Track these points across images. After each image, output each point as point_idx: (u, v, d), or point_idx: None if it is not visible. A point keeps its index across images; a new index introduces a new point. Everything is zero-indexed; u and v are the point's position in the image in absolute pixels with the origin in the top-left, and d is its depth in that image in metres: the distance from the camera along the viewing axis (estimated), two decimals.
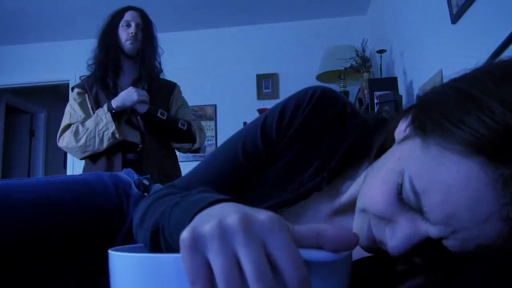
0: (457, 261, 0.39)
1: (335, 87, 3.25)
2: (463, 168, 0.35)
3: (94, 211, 0.72)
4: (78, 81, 3.98)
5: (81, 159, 1.86)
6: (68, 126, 1.82)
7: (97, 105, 1.82)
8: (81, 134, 1.76)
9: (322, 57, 3.26)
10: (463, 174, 0.35)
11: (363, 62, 2.96)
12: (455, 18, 1.78)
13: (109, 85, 1.83)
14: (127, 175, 0.84)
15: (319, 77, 3.28)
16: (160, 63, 1.97)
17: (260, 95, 3.79)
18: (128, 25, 1.87)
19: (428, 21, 2.18)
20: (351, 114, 0.59)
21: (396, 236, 0.41)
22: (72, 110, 1.86)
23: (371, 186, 0.45)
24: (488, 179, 0.34)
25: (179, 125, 1.80)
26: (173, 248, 0.40)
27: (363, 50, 3.01)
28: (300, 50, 3.77)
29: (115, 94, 1.79)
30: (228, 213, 0.30)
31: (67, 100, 4.03)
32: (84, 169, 1.86)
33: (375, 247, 0.44)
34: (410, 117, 0.45)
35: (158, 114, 1.77)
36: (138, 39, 1.86)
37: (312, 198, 0.57)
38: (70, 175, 0.80)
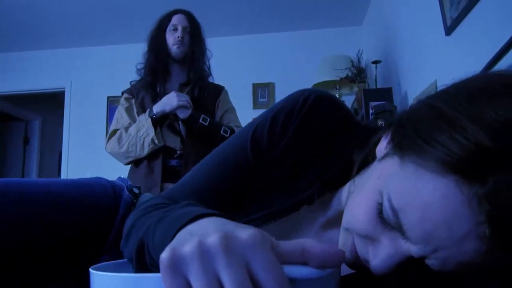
0: (445, 278, 0.39)
1: None
2: (439, 186, 0.35)
3: (94, 209, 0.73)
4: (73, 89, 4.03)
5: (126, 164, 1.84)
6: (115, 132, 1.80)
7: (142, 110, 1.80)
8: (124, 140, 1.74)
9: (318, 67, 3.28)
10: (439, 191, 0.35)
11: (358, 73, 2.98)
12: (449, 30, 1.79)
13: (156, 90, 1.81)
14: (121, 181, 0.86)
15: (315, 87, 3.29)
16: (209, 67, 1.94)
17: (256, 104, 3.79)
18: (175, 29, 1.84)
19: (422, 33, 2.20)
20: (348, 123, 0.56)
21: (379, 255, 0.40)
22: (119, 116, 1.84)
23: (354, 205, 0.44)
24: (463, 197, 0.33)
25: (222, 131, 1.75)
26: (158, 265, 0.39)
27: (359, 61, 3.04)
28: (296, 59, 3.79)
29: (161, 98, 1.76)
30: (208, 232, 0.29)
31: (62, 108, 4.08)
32: (129, 174, 1.83)
33: (359, 264, 0.44)
34: (390, 134, 0.44)
35: (200, 120, 1.72)
36: (185, 43, 1.83)
37: (303, 210, 0.56)
38: (68, 179, 0.80)
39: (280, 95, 3.76)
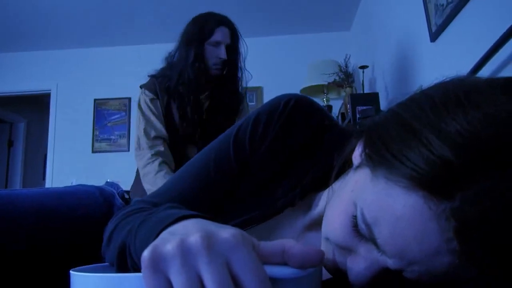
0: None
1: (319, 101, 3.29)
2: (408, 202, 0.34)
3: (87, 219, 0.73)
4: (59, 91, 3.97)
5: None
6: (154, 139, 1.65)
7: (167, 113, 1.69)
8: (145, 177, 1.61)
9: (306, 72, 3.30)
10: (408, 208, 0.34)
11: (346, 77, 3.00)
12: (434, 36, 1.82)
13: (185, 101, 1.66)
14: (111, 186, 0.87)
15: (303, 91, 3.31)
16: (242, 85, 1.85)
17: None
18: (217, 45, 1.67)
19: (408, 39, 2.23)
20: (328, 127, 0.57)
21: (356, 267, 0.40)
22: (153, 121, 1.67)
23: (331, 215, 0.44)
24: (431, 213, 0.33)
25: None
26: (139, 267, 0.39)
27: (346, 66, 3.06)
28: (284, 64, 3.81)
29: (187, 108, 1.66)
30: (190, 231, 0.29)
31: (48, 111, 4.01)
32: (135, 185, 1.71)
33: (340, 271, 0.44)
34: (362, 143, 0.43)
35: None
36: (224, 63, 1.69)
37: (286, 213, 0.56)
38: (59, 188, 0.80)
39: (269, 99, 3.73)
